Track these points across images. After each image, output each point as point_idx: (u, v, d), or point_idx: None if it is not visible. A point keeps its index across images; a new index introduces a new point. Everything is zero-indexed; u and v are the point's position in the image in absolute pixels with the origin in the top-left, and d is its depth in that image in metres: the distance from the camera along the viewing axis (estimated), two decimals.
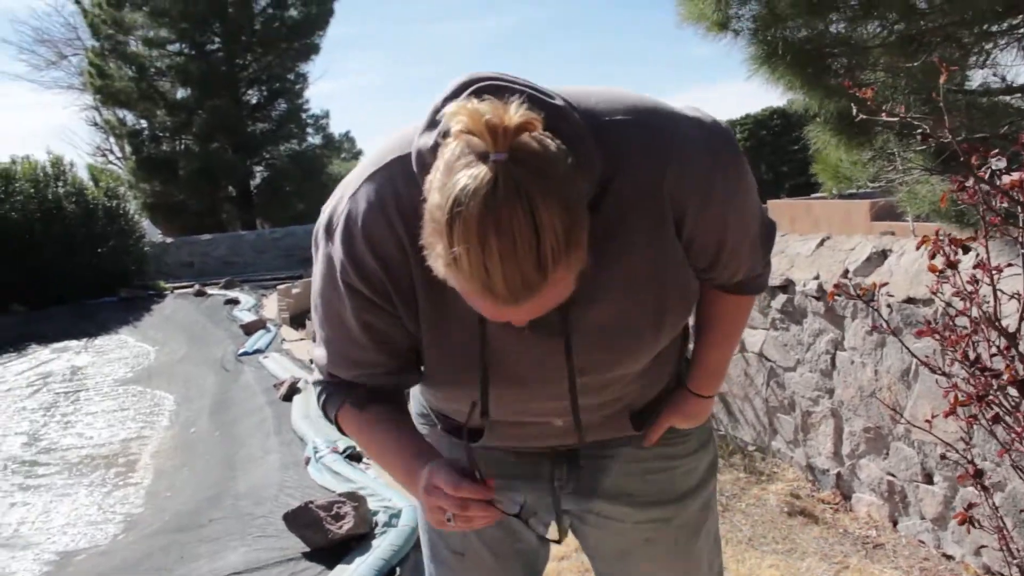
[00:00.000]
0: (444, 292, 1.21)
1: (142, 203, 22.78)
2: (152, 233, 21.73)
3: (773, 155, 28.74)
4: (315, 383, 1.50)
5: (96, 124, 29.17)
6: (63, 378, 10.22)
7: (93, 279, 15.91)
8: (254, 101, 24.95)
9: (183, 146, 23.87)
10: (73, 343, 12.52)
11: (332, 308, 1.36)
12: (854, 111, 1.86)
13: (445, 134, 1.13)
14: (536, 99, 1.16)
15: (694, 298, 1.45)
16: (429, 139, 1.19)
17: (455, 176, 1.05)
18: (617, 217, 1.26)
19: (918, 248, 1.75)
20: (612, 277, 1.30)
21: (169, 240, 20.69)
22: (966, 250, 1.76)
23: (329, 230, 1.34)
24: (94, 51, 23.92)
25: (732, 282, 1.47)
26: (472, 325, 1.30)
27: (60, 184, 16.76)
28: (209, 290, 15.11)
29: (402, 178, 1.26)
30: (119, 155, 29.87)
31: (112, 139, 29.62)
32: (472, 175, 1.04)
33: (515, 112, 1.07)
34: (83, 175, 19.55)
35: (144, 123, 24.67)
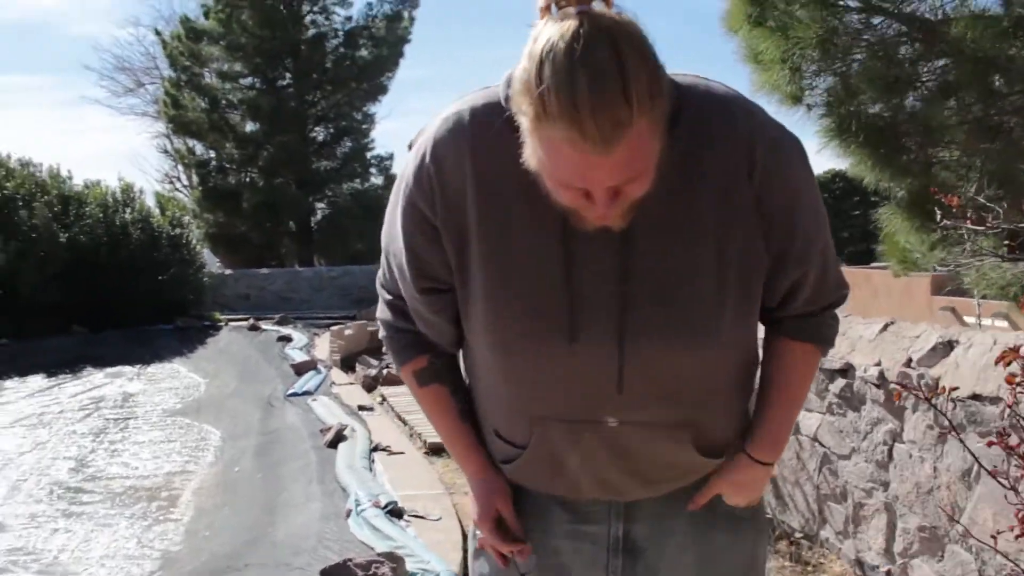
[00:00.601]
0: (510, 225, 1.31)
1: (204, 233, 23.22)
2: (211, 263, 22.09)
3: (835, 219, 28.31)
4: (380, 321, 1.56)
5: (166, 151, 30.00)
6: (114, 404, 10.37)
7: (152, 306, 16.23)
8: (320, 138, 25.43)
9: (248, 179, 24.38)
10: (127, 369, 12.72)
11: (391, 223, 1.44)
12: (937, 216, 1.78)
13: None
14: None
15: (756, 298, 1.38)
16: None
17: (540, 37, 1.12)
18: (691, 156, 1.27)
19: (997, 364, 1.66)
20: (676, 213, 1.29)
21: (228, 272, 21.02)
22: None
23: (412, 149, 1.41)
24: (170, 81, 24.66)
25: (799, 307, 1.42)
26: (538, 245, 1.31)
27: (128, 211, 17.18)
28: (263, 325, 15.29)
29: (483, 105, 1.33)
30: (186, 183, 30.61)
31: (180, 167, 30.39)
32: (557, 27, 1.11)
33: None
34: (150, 202, 20.04)
35: (212, 154, 25.30)
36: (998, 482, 1.98)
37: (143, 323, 15.96)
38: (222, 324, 16.28)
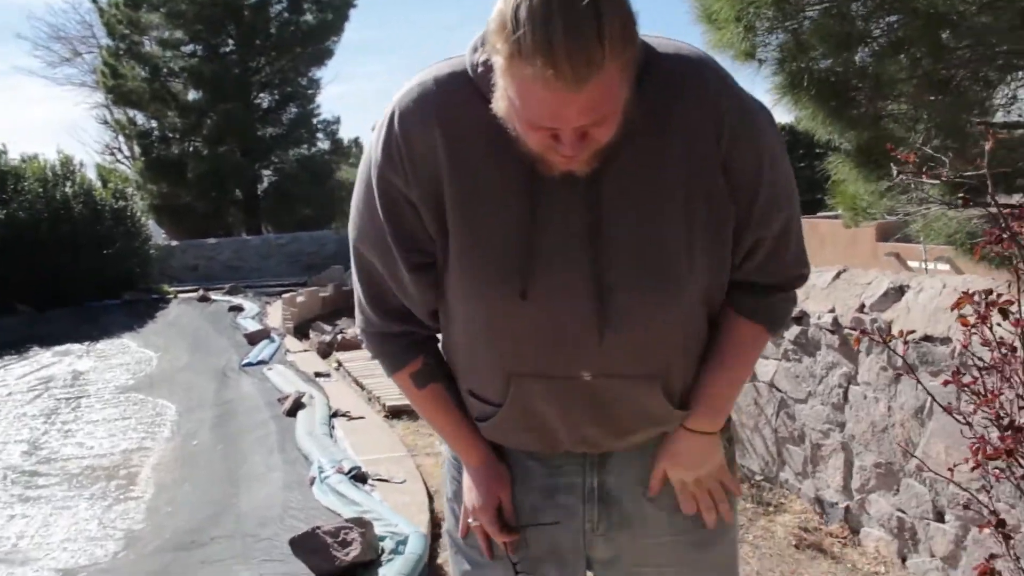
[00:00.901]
0: (478, 181, 1.33)
1: (148, 204, 22.83)
2: (157, 235, 21.75)
3: None
4: (362, 331, 1.55)
5: (106, 122, 29.21)
6: (64, 383, 10.19)
7: (97, 281, 15.93)
8: (265, 105, 25.04)
9: (192, 148, 23.97)
10: (75, 347, 12.50)
11: (367, 205, 1.42)
12: (893, 172, 1.83)
13: None
14: None
15: (725, 253, 1.39)
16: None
17: None
18: (660, 111, 1.30)
19: (956, 308, 1.71)
20: (644, 166, 1.31)
21: (174, 243, 20.72)
22: (1004, 314, 1.72)
23: (375, 127, 1.42)
24: (108, 50, 24.06)
25: (754, 273, 1.43)
26: (507, 207, 1.33)
27: (68, 184, 16.78)
28: (213, 295, 15.13)
29: (448, 74, 1.34)
30: (128, 154, 29.95)
31: (122, 138, 29.69)
32: None
33: None
34: (92, 174, 19.61)
35: (154, 124, 24.81)
36: (954, 418, 2.05)
37: (89, 299, 15.67)
38: (171, 296, 16.06)
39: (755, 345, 1.50)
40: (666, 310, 1.37)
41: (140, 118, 25.02)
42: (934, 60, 3.50)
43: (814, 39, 3.59)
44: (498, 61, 1.19)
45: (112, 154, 30.67)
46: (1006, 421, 1.79)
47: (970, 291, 1.84)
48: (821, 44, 3.58)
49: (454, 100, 1.32)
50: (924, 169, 2.19)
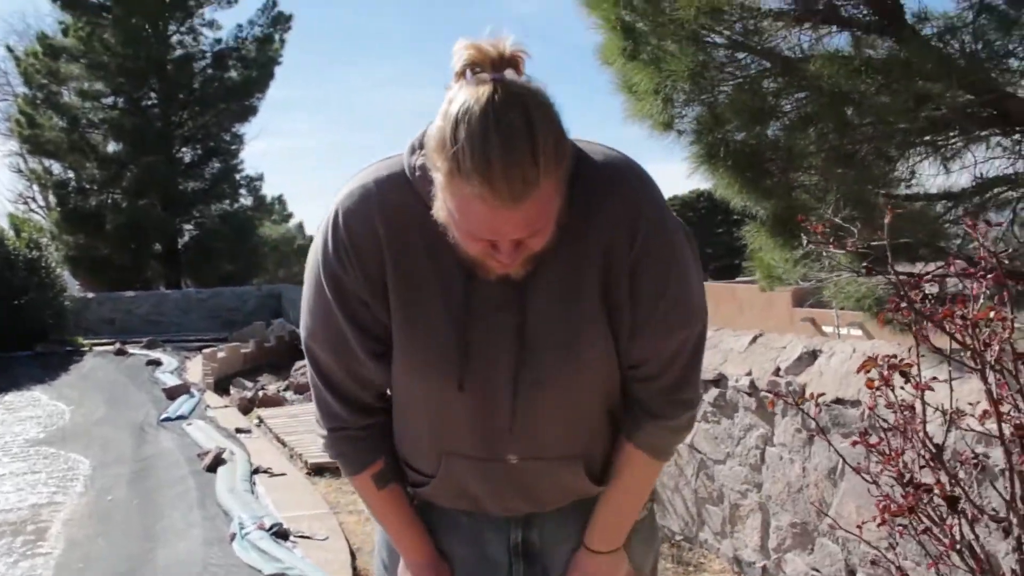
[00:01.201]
0: (417, 279, 1.38)
1: (64, 255, 22.29)
2: (71, 287, 21.21)
3: (700, 237, 29.41)
4: (324, 437, 1.56)
5: (20, 171, 28.53)
6: None
7: (9, 332, 15.46)
8: (188, 159, 24.85)
9: (111, 200, 23.54)
10: None
11: (319, 304, 1.45)
12: (804, 242, 1.96)
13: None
14: None
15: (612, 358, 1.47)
16: (422, 130, 1.34)
17: (456, 100, 1.21)
18: (583, 218, 1.36)
19: (862, 371, 1.83)
20: (567, 273, 1.39)
21: (90, 295, 20.25)
22: (905, 376, 1.86)
23: (318, 230, 1.46)
24: (25, 99, 23.62)
25: (641, 384, 1.48)
26: (444, 310, 1.40)
27: None
28: (130, 349, 14.80)
29: (386, 172, 1.40)
30: (42, 204, 29.27)
31: (36, 188, 29.04)
32: (472, 92, 1.20)
33: (507, 44, 1.24)
34: (3, 223, 19.11)
35: (72, 175, 24.33)
36: (862, 477, 2.17)
37: None
38: (86, 349, 15.66)
39: (648, 472, 1.58)
40: (583, 399, 1.48)
41: (57, 168, 24.55)
42: (840, 135, 3.70)
43: (728, 112, 3.77)
44: (438, 177, 1.24)
45: (26, 203, 29.98)
46: (907, 478, 1.91)
47: (876, 355, 1.97)
48: (735, 117, 3.76)
49: (393, 200, 1.38)
50: (832, 240, 2.33)
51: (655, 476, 1.62)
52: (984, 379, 1.73)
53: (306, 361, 1.53)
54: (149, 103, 23.93)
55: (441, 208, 1.28)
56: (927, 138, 4.13)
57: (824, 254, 4.14)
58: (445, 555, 1.63)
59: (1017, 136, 4.21)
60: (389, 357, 1.47)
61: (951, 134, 4.16)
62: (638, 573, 1.64)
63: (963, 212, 4.17)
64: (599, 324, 1.42)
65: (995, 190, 4.37)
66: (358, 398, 1.51)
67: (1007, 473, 1.85)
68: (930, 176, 4.34)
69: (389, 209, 1.38)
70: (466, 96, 1.20)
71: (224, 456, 6.56)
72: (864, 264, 1.96)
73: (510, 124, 1.17)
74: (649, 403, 1.50)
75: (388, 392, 1.54)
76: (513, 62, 1.25)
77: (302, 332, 1.51)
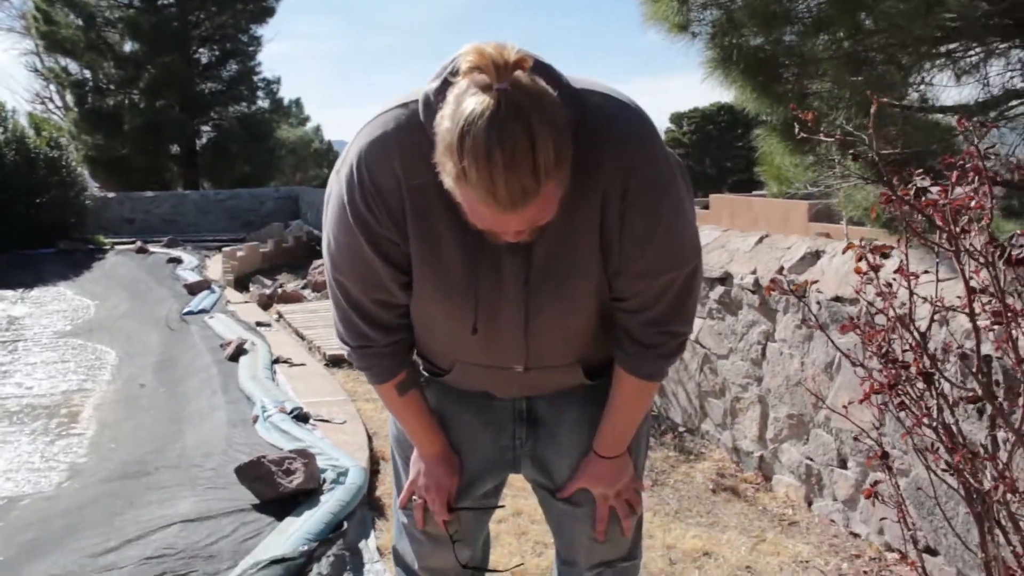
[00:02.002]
0: (433, 221, 1.48)
1: (83, 156, 22.39)
2: (90, 187, 21.38)
3: (718, 150, 29.29)
4: (348, 347, 1.70)
5: (37, 70, 28.43)
6: None
7: (31, 230, 15.71)
8: (205, 60, 24.68)
9: (128, 101, 23.48)
10: (8, 293, 12.39)
11: (347, 243, 1.55)
12: (795, 129, 2.07)
13: (454, 72, 1.35)
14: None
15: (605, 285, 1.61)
16: (436, 83, 1.41)
17: (463, 104, 1.27)
18: (583, 168, 1.44)
19: (844, 252, 1.97)
20: (567, 220, 1.49)
21: (111, 195, 20.40)
22: (885, 256, 1.99)
23: (339, 171, 1.55)
24: None
25: (629, 314, 1.62)
26: (461, 255, 1.52)
27: (0, 131, 16.44)
28: (151, 247, 15.01)
29: (405, 120, 1.46)
30: (59, 104, 29.24)
31: (53, 87, 28.96)
32: (479, 101, 1.26)
33: (513, 50, 1.31)
34: (23, 122, 19.16)
35: (89, 74, 24.22)
36: (850, 361, 2.32)
37: (22, 247, 15.44)
38: (107, 247, 15.89)
39: (643, 392, 1.74)
40: (580, 322, 1.64)
41: (73, 67, 24.45)
42: (853, 41, 3.76)
43: (743, 16, 3.83)
44: (446, 178, 1.33)
45: (43, 103, 29.95)
46: (885, 351, 2.06)
47: (860, 239, 2.10)
48: (750, 21, 3.82)
49: (410, 146, 1.44)
50: (846, 149, 2.43)
51: (652, 394, 1.79)
52: (959, 261, 1.86)
53: (331, 288, 1.64)
54: (165, 2, 23.69)
55: (452, 191, 1.35)
56: (942, 49, 4.17)
57: (837, 162, 4.24)
58: (453, 425, 1.82)
59: None
60: (411, 286, 1.60)
61: (970, 45, 4.21)
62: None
63: (979, 123, 4.25)
64: (593, 263, 1.54)
65: (1010, 103, 4.43)
66: (385, 320, 1.65)
67: (975, 354, 1.99)
68: (946, 87, 4.41)
69: (407, 154, 1.45)
70: (473, 105, 1.26)
71: (246, 347, 6.77)
72: (849, 151, 2.06)
73: (513, 140, 1.23)
74: (638, 333, 1.63)
75: (405, 313, 1.68)
76: (519, 65, 1.30)
77: (327, 266, 1.62)
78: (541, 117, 1.27)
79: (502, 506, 1.98)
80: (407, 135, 1.45)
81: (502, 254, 1.52)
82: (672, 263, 1.56)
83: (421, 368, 1.82)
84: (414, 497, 1.84)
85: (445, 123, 1.29)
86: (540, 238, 1.49)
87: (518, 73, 1.29)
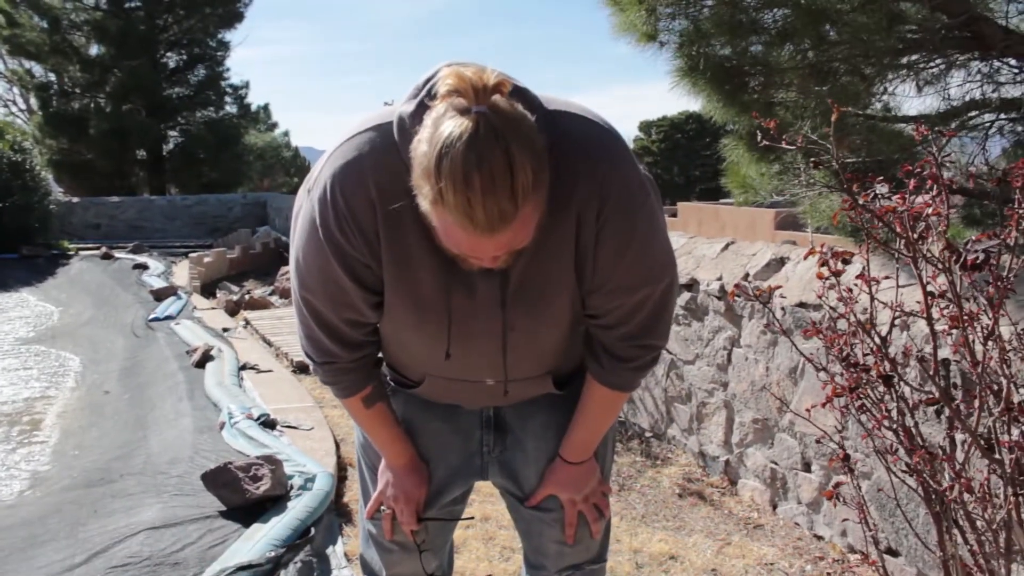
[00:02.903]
0: (406, 244, 1.47)
1: (47, 160, 22.16)
2: (55, 192, 21.13)
3: (686, 158, 29.54)
4: (312, 363, 1.70)
5: (0, 73, 28.14)
6: None
7: None
8: (172, 65, 24.54)
9: (94, 104, 23.29)
10: None
11: (318, 264, 1.54)
12: (760, 138, 2.11)
13: (431, 95, 1.35)
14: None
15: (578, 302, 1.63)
16: (410, 107, 1.40)
17: (442, 127, 1.27)
18: (559, 190, 1.44)
19: (805, 258, 2.01)
20: (544, 241, 1.48)
21: (75, 200, 20.18)
22: (847, 262, 2.03)
23: (311, 191, 1.53)
24: None
25: (603, 330, 1.64)
26: (434, 278, 1.52)
27: None
28: (116, 253, 14.87)
29: (380, 141, 1.45)
30: (23, 107, 28.92)
31: (17, 91, 28.65)
32: (457, 124, 1.25)
33: (491, 73, 1.31)
34: None
35: (54, 77, 24.01)
36: (813, 365, 2.36)
37: None
38: (72, 253, 15.71)
39: (613, 402, 1.77)
40: (553, 338, 1.66)
41: (38, 70, 24.23)
42: (817, 52, 3.83)
43: (711, 26, 3.89)
44: (422, 201, 1.32)
45: (6, 105, 29.63)
46: (846, 355, 2.10)
47: (822, 245, 2.15)
48: (717, 31, 3.87)
49: (385, 167, 1.43)
50: (809, 158, 2.47)
51: (620, 404, 1.80)
52: (916, 267, 1.90)
53: (297, 305, 1.63)
54: (133, 5, 23.52)
55: (427, 215, 1.34)
56: (904, 60, 4.25)
57: (802, 170, 4.30)
58: (421, 432, 1.84)
59: (997, 63, 4.35)
60: (382, 306, 1.60)
61: (931, 57, 4.29)
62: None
63: (937, 132, 4.34)
64: (568, 281, 1.55)
65: (970, 113, 4.52)
66: (352, 338, 1.64)
67: (933, 358, 2.04)
68: (908, 97, 4.49)
69: (381, 177, 1.43)
70: (451, 129, 1.25)
71: (212, 353, 6.73)
72: (811, 159, 2.10)
73: (491, 164, 1.23)
74: (614, 347, 1.65)
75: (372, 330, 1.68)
76: (497, 89, 1.30)
77: (294, 283, 1.60)
78: (519, 141, 1.26)
79: (471, 518, 2.01)
80: (381, 158, 1.44)
81: (475, 277, 1.52)
82: (646, 279, 1.57)
83: (389, 379, 1.83)
84: (382, 507, 1.85)
85: (423, 146, 1.28)
86: (515, 259, 1.49)
87: (496, 97, 1.28)
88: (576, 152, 1.45)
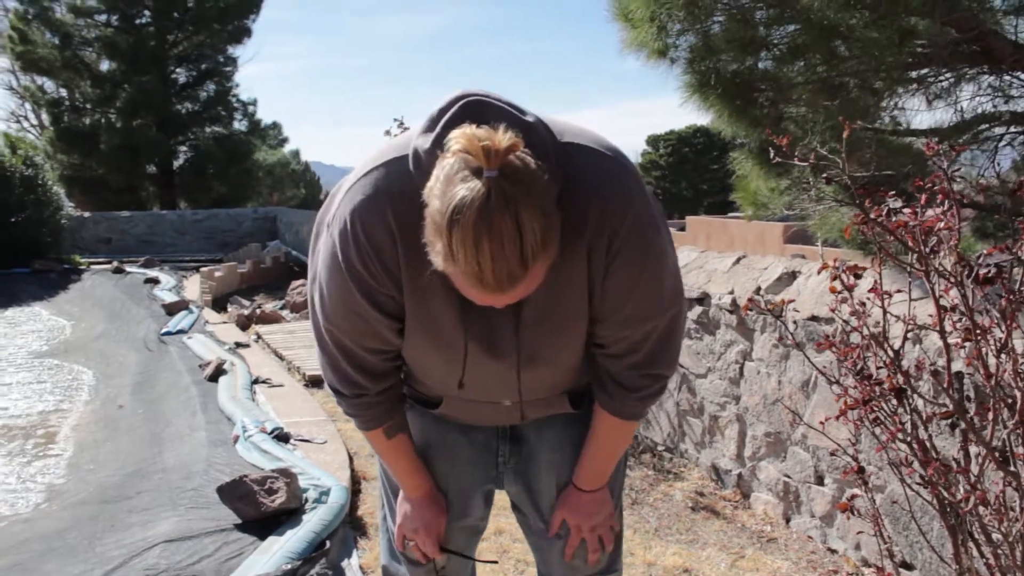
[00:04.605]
0: (427, 279, 1.46)
1: (58, 175, 22.30)
2: (65, 206, 21.26)
3: (694, 172, 29.61)
4: (338, 395, 1.72)
5: (12, 89, 28.40)
6: None
7: (5, 249, 15.55)
8: (182, 80, 24.70)
9: (105, 120, 23.45)
10: None
11: (342, 297, 1.56)
12: (771, 153, 2.13)
13: (440, 147, 1.35)
14: (514, 117, 1.41)
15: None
16: (426, 141, 1.42)
17: (454, 188, 1.28)
18: (571, 227, 1.46)
19: (819, 272, 2.04)
20: (557, 276, 1.50)
21: (86, 215, 20.31)
22: (859, 276, 2.06)
23: (330, 224, 1.55)
24: (17, 14, 23.36)
25: (611, 359, 1.65)
26: (452, 308, 1.54)
27: None
28: (128, 268, 14.95)
29: (396, 175, 1.47)
30: (35, 123, 29.15)
31: (29, 106, 28.90)
32: (469, 188, 1.27)
33: (504, 136, 1.31)
34: None
35: (65, 93, 24.20)
36: (827, 378, 2.38)
37: None
38: (83, 267, 15.81)
39: (622, 431, 1.78)
40: (568, 359, 1.68)
41: (50, 86, 24.43)
42: (828, 67, 3.85)
43: (721, 42, 3.92)
44: (435, 256, 1.33)
45: (18, 121, 29.87)
46: (860, 368, 2.12)
47: (835, 259, 2.17)
48: (727, 47, 3.91)
49: (403, 199, 1.44)
50: (819, 173, 2.50)
51: (631, 432, 1.81)
52: (929, 280, 1.92)
53: (320, 337, 1.65)
54: (142, 21, 23.71)
55: (443, 268, 1.35)
56: (913, 74, 4.28)
57: (810, 183, 4.33)
58: (440, 444, 1.86)
59: (1007, 77, 4.37)
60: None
61: (940, 72, 4.32)
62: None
63: (948, 147, 4.36)
64: (581, 307, 1.57)
65: (980, 127, 4.54)
66: (376, 367, 1.66)
67: (947, 371, 2.05)
68: (918, 111, 4.51)
69: (400, 209, 1.45)
70: (463, 193, 1.26)
71: (225, 367, 6.77)
72: (823, 175, 2.12)
73: (501, 232, 1.25)
74: (621, 377, 1.66)
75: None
76: (510, 151, 1.30)
77: (318, 316, 1.62)
78: (529, 204, 1.28)
79: (495, 562, 2.07)
80: (399, 191, 1.45)
81: (491, 308, 1.52)
82: (654, 310, 1.59)
83: (407, 395, 1.84)
84: (407, 540, 1.88)
85: (435, 203, 1.30)
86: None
87: (510, 157, 1.29)
88: (588, 184, 1.47)
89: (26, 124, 29.71)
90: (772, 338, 3.96)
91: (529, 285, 1.35)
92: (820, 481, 3.73)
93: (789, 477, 3.92)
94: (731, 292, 4.27)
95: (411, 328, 1.59)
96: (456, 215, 1.26)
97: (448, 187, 1.28)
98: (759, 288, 4.07)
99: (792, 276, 4.02)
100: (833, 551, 3.63)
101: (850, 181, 2.37)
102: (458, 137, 1.31)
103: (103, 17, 23.54)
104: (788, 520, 3.95)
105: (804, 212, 4.67)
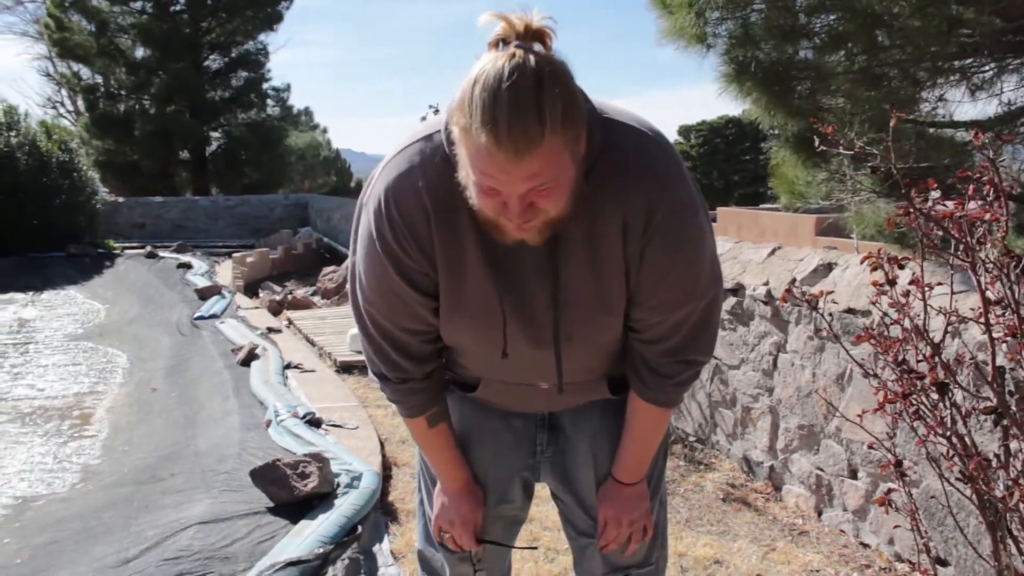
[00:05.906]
0: (460, 251, 1.50)
1: (93, 160, 22.52)
2: (100, 191, 21.49)
3: (725, 163, 29.36)
4: (382, 380, 1.72)
5: (49, 75, 28.72)
6: (10, 329, 10.22)
7: (41, 233, 15.75)
8: (215, 67, 24.86)
9: (139, 106, 23.66)
10: (19, 296, 12.49)
11: (377, 275, 1.57)
12: (816, 142, 2.11)
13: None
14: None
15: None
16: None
17: (482, 59, 1.32)
18: (608, 204, 1.47)
19: (861, 263, 2.01)
20: (593, 254, 1.52)
21: (120, 200, 20.51)
22: (902, 267, 2.03)
23: (366, 204, 1.57)
24: (54, 2, 23.56)
25: (646, 345, 1.64)
26: (487, 282, 1.55)
27: (13, 134, 16.53)
28: (161, 252, 15.10)
29: (430, 152, 1.48)
30: (71, 109, 29.45)
31: (65, 92, 29.20)
32: (495, 56, 1.30)
33: (537, 16, 1.34)
34: (34, 126, 19.26)
35: (100, 79, 24.42)
36: (864, 370, 2.35)
37: (33, 250, 15.51)
38: (117, 252, 15.98)
39: (658, 419, 1.77)
40: (606, 343, 1.67)
41: (85, 72, 24.67)
42: (869, 57, 3.80)
43: (760, 30, 3.88)
44: (456, 131, 1.35)
45: (54, 107, 30.19)
46: (901, 360, 2.10)
47: (878, 249, 2.14)
48: (767, 35, 3.86)
49: (436, 176, 1.46)
50: (861, 163, 2.47)
51: (666, 420, 1.80)
52: (975, 272, 1.90)
53: (362, 320, 1.66)
54: (177, 8, 23.87)
55: (462, 167, 1.37)
56: (956, 64, 4.21)
57: (848, 176, 4.28)
58: (479, 430, 1.86)
59: None
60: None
61: (983, 61, 4.25)
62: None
63: (994, 136, 4.28)
64: (619, 291, 1.56)
65: (1021, 120, 4.46)
66: (417, 349, 1.66)
67: (990, 365, 2.03)
68: (960, 102, 4.44)
69: (433, 185, 1.46)
70: (488, 60, 1.29)
71: (257, 352, 6.81)
72: (870, 165, 2.09)
73: (520, 85, 1.26)
74: (655, 363, 1.65)
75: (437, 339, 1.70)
76: (540, 36, 1.32)
77: (359, 299, 1.63)
78: (554, 75, 1.29)
79: (534, 547, 2.05)
80: (432, 166, 1.47)
81: (527, 279, 1.54)
82: (690, 296, 1.57)
83: (447, 378, 1.84)
84: (443, 532, 1.88)
85: (463, 84, 1.32)
86: (564, 261, 1.51)
87: (545, 43, 1.33)
88: (628, 159, 1.46)
89: (62, 110, 30.03)
90: (807, 330, 3.93)
91: (545, 164, 1.31)
92: (853, 475, 3.70)
93: (822, 470, 3.89)
94: (766, 283, 4.24)
95: (448, 306, 1.59)
96: (480, 76, 1.29)
97: (478, 61, 1.32)
98: (795, 279, 4.04)
99: (828, 268, 3.98)
100: (866, 545, 3.61)
101: (895, 171, 2.34)
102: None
103: (138, 4, 23.73)
104: (820, 513, 3.92)
105: (841, 204, 4.63)
